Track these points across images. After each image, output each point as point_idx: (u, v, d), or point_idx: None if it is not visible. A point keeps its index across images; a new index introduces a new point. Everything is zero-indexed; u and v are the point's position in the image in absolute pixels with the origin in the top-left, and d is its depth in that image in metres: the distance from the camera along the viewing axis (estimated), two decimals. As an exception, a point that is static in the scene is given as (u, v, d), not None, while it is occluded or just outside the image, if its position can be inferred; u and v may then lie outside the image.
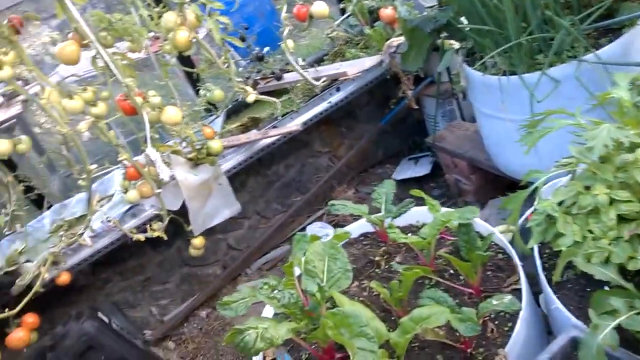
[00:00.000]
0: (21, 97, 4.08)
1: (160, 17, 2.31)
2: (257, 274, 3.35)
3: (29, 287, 2.50)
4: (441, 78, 2.84)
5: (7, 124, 3.66)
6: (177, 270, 3.25)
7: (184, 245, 3.15)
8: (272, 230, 3.36)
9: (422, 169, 3.35)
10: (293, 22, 2.74)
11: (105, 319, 2.81)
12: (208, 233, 2.93)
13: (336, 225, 3.32)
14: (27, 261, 2.61)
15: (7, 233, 2.87)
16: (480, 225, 1.82)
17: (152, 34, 2.59)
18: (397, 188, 2.09)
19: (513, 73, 2.10)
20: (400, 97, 3.17)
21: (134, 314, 3.19)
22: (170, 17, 2.26)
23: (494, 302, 1.45)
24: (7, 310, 2.42)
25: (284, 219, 3.38)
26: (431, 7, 2.81)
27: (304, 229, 3.41)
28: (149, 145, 2.38)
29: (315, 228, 3.24)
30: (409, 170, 3.40)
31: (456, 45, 2.58)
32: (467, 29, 2.15)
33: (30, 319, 2.52)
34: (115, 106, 2.40)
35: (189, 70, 2.67)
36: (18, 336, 2.44)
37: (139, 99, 2.28)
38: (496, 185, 2.93)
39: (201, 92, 2.58)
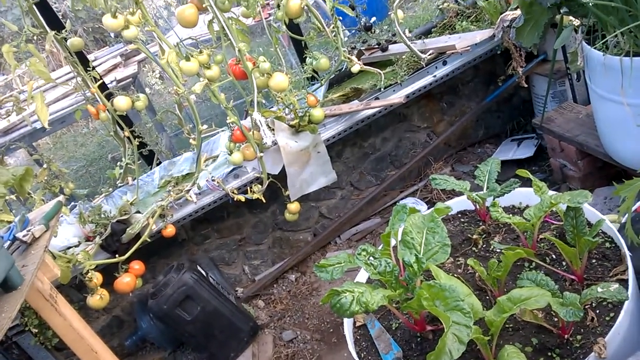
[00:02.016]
0: (137, 58, 4.36)
1: (274, -17, 2.36)
2: (346, 244, 3.40)
3: (138, 236, 2.70)
4: (556, 56, 2.70)
5: (123, 82, 3.94)
6: (270, 233, 3.37)
7: (278, 210, 3.26)
8: (364, 202, 3.38)
9: (525, 151, 3.22)
10: (403, -7, 2.71)
11: (203, 273, 2.98)
12: (302, 200, 3.01)
13: (429, 201, 3.29)
14: (137, 212, 2.81)
15: (119, 185, 3.10)
16: (589, 211, 1.74)
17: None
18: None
19: (637, 54, 1.97)
20: (508, 74, 3.06)
21: (228, 270, 3.36)
22: (285, -17, 2.30)
23: (599, 290, 1.39)
24: (117, 256, 2.64)
25: (376, 192, 3.39)
26: (550, -20, 2.66)
27: (395, 203, 3.40)
28: (256, 109, 2.46)
29: (409, 204, 3.23)
30: (510, 151, 3.29)
31: (576, 22, 2.44)
32: (591, 4, 2.02)
33: (137, 265, 2.73)
34: (226, 70, 2.50)
35: (298, 37, 2.71)
36: (125, 281, 2.66)
37: (249, 64, 2.36)
38: (604, 173, 2.78)
39: (307, 60, 2.61)
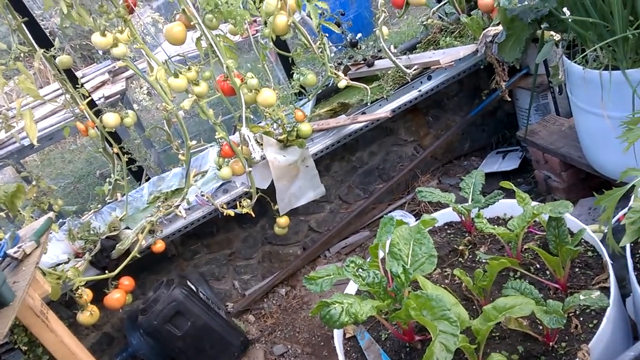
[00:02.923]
0: (125, 74, 4.38)
1: (261, 1, 2.40)
2: (335, 257, 3.43)
3: (127, 252, 2.70)
4: (538, 70, 2.77)
5: (112, 99, 3.95)
6: (260, 248, 3.38)
7: (268, 224, 3.28)
8: (353, 215, 3.41)
9: (510, 163, 3.28)
10: (388, 9, 2.76)
11: (193, 288, 2.99)
12: (291, 214, 3.04)
13: (417, 214, 3.33)
14: (127, 228, 2.82)
15: (108, 201, 3.10)
16: (571, 221, 1.79)
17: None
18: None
19: (615, 68, 2.03)
20: (492, 88, 3.12)
21: (218, 285, 3.36)
22: (271, 2, 2.36)
23: (581, 297, 1.43)
24: (107, 272, 2.64)
25: (364, 205, 3.42)
26: (531, -4, 2.74)
27: (383, 216, 3.43)
28: (244, 125, 2.49)
29: (397, 216, 3.26)
30: (495, 164, 3.35)
31: (556, 37, 2.51)
32: (571, 20, 2.08)
33: (127, 281, 2.74)
34: (214, 86, 2.53)
35: (285, 54, 2.75)
36: (115, 297, 2.66)
37: (237, 80, 2.39)
38: (587, 184, 2.83)
39: (295, 75, 2.66)
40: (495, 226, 1.76)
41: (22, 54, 2.51)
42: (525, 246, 1.78)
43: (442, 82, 3.07)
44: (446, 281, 1.86)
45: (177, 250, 3.20)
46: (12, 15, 2.45)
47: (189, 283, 2.98)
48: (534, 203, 1.78)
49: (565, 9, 2.20)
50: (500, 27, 2.79)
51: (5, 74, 2.43)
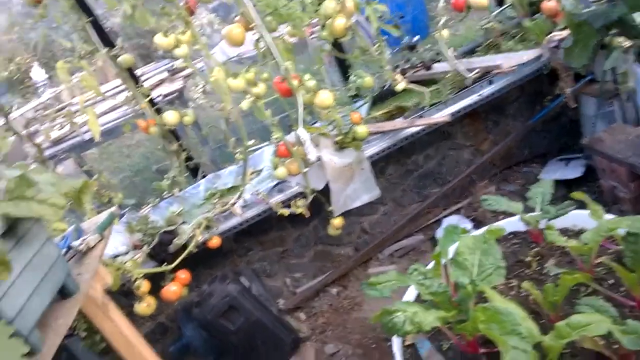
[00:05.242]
0: (183, 73, 4.45)
1: (320, 3, 2.39)
2: (388, 260, 3.39)
3: (184, 246, 2.74)
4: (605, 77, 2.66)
5: (170, 97, 4.02)
6: (312, 247, 3.38)
7: (320, 224, 3.27)
8: (407, 219, 3.36)
9: (573, 171, 3.16)
10: (447, 12, 2.71)
11: (247, 284, 3.01)
12: (344, 215, 3.01)
13: (474, 220, 3.25)
14: (183, 223, 2.86)
15: (166, 196, 3.16)
16: (648, 236, 1.70)
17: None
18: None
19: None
20: (555, 94, 3.02)
21: (269, 282, 3.37)
22: (330, 4, 2.34)
23: (664, 319, 1.36)
24: (164, 265, 2.69)
25: (419, 209, 3.37)
26: (598, 1, 2.63)
27: (439, 220, 3.38)
28: (301, 125, 2.49)
29: (453, 221, 3.20)
30: (558, 171, 3.23)
31: (626, 43, 2.41)
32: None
33: (183, 275, 2.77)
34: (272, 87, 2.54)
35: (342, 56, 2.73)
36: (172, 289, 2.69)
37: (295, 82, 2.39)
38: (656, 196, 2.71)
39: (351, 78, 2.64)
40: (566, 238, 1.69)
41: (85, 53, 2.59)
42: (599, 260, 1.70)
43: (503, 87, 2.99)
44: (512, 293, 1.80)
45: (231, 247, 3.23)
46: (78, 15, 2.52)
47: (242, 279, 3.00)
48: (607, 216, 1.70)
49: (636, 15, 2.10)
50: (565, 32, 2.69)
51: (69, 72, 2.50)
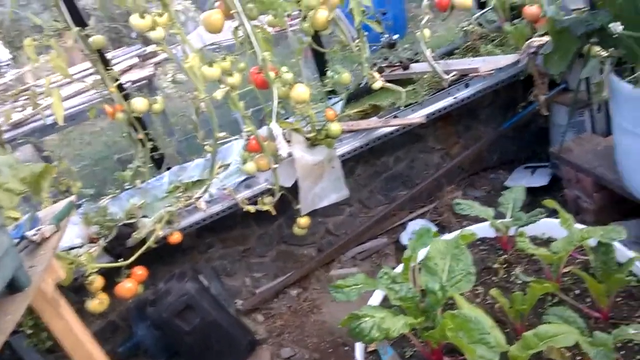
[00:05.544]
0: (154, 59, 4.32)
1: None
2: (350, 262, 3.34)
3: (143, 241, 2.64)
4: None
5: (138, 83, 3.89)
6: (275, 246, 3.30)
7: (285, 223, 3.20)
8: (372, 221, 3.33)
9: (539, 179, 3.18)
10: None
11: (205, 283, 2.92)
12: (310, 214, 2.95)
13: (438, 225, 3.24)
14: (144, 216, 2.75)
15: (127, 187, 3.04)
16: (618, 248, 1.69)
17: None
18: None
19: (669, 89, 1.94)
20: (529, 101, 3.02)
21: (229, 282, 3.29)
22: (313, -5, 2.27)
23: (632, 331, 1.34)
24: (120, 260, 2.58)
25: (385, 211, 3.34)
26: (579, 9, 2.64)
27: (404, 224, 3.36)
28: (274, 120, 2.42)
29: (418, 225, 3.17)
30: (524, 179, 3.24)
31: (604, 52, 2.41)
32: (625, 36, 1.99)
33: (140, 271, 2.66)
34: (247, 78, 2.46)
35: (321, 50, 2.67)
36: (127, 286, 2.59)
37: (272, 74, 2.32)
38: (619, 208, 2.73)
39: (329, 73, 2.58)
40: (536, 246, 1.67)
41: (55, 32, 2.47)
42: (564, 270, 1.69)
43: (479, 91, 2.98)
44: (477, 300, 1.78)
45: (192, 243, 3.13)
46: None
47: (201, 277, 2.91)
48: (577, 225, 1.69)
49: (617, 24, 2.10)
50: (545, 38, 2.69)
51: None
